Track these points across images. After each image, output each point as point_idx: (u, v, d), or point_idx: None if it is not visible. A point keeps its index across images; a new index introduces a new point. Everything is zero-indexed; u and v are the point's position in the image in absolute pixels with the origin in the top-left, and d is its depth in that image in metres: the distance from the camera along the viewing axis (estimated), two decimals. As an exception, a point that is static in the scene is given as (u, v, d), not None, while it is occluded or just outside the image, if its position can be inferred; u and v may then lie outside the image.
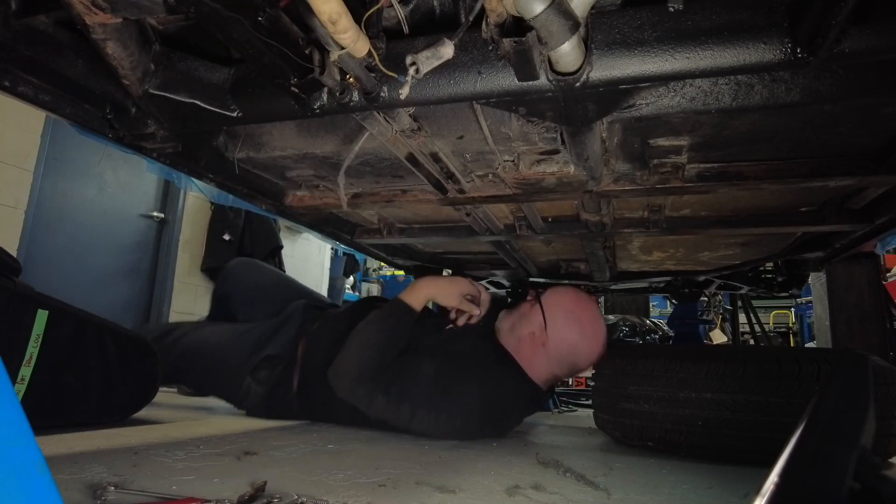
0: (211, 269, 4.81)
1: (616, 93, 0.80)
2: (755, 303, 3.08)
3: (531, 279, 2.49)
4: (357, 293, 7.76)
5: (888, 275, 4.30)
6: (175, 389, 2.17)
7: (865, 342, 1.88)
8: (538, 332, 1.57)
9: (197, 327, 2.02)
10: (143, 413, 1.53)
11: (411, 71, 0.70)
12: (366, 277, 8.50)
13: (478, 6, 0.68)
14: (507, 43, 0.66)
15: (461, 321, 1.70)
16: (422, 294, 1.64)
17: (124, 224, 4.28)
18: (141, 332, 1.85)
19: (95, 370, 1.37)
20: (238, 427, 1.51)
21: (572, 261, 2.29)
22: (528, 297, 1.69)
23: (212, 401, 2.17)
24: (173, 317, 4.51)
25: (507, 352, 1.60)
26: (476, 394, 1.45)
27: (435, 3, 0.80)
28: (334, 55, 0.69)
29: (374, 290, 8.28)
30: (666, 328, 3.81)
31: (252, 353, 1.75)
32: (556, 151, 1.12)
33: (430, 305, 1.79)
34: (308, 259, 6.40)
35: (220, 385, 1.82)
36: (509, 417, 1.60)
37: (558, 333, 1.56)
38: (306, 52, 0.73)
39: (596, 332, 1.60)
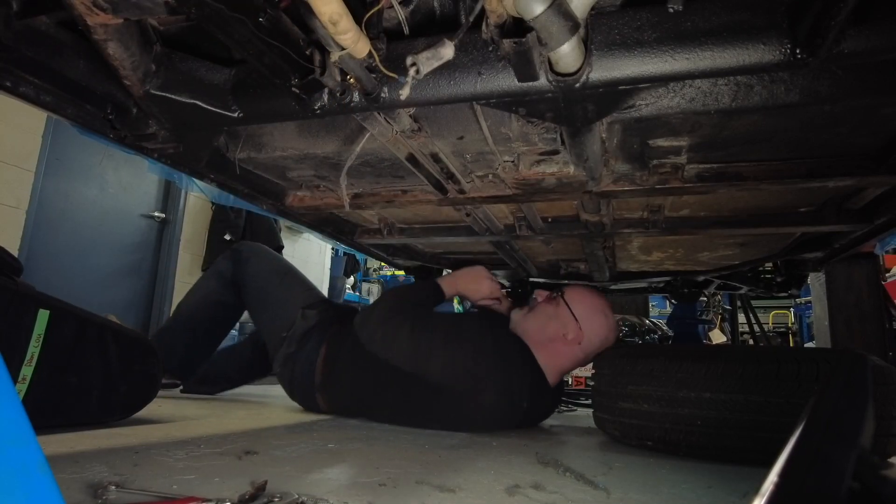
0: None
1: (616, 93, 0.80)
2: (754, 303, 3.08)
3: (531, 279, 2.50)
4: (357, 293, 7.77)
5: (887, 275, 4.30)
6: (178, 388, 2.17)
7: (864, 342, 1.88)
8: (573, 331, 1.66)
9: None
10: (143, 412, 1.53)
11: (412, 72, 0.70)
12: (366, 277, 8.50)
13: (478, 7, 0.68)
14: (507, 44, 0.66)
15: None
16: (454, 288, 1.84)
17: (125, 224, 4.29)
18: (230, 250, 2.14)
19: (96, 370, 1.37)
20: (239, 426, 1.51)
21: (572, 261, 2.29)
22: (545, 298, 1.78)
23: (212, 400, 2.17)
24: (174, 317, 4.51)
25: (522, 341, 1.71)
26: (489, 339, 1.62)
27: (435, 3, 0.80)
28: (335, 56, 0.69)
29: (375, 289, 8.28)
30: (665, 328, 3.82)
31: (312, 299, 1.98)
32: (556, 152, 1.12)
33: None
34: (309, 259, 6.40)
35: (275, 311, 1.98)
36: (515, 384, 1.63)
37: (594, 329, 1.68)
38: (307, 52, 0.73)
39: (613, 320, 1.76)
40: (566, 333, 1.65)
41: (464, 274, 1.87)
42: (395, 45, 0.79)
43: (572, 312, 1.67)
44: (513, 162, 1.19)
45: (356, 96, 0.82)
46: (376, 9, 0.70)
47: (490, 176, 1.28)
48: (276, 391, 2.47)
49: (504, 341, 1.66)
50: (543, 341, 1.67)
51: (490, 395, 1.57)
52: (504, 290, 2.01)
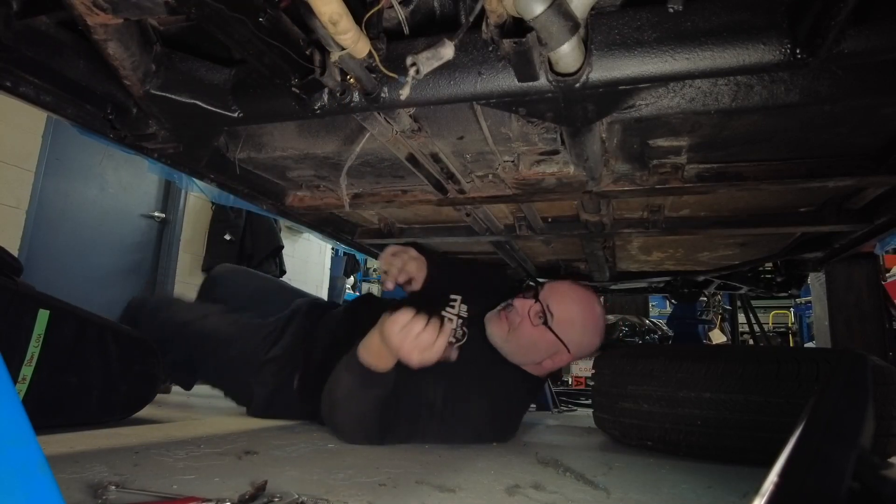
0: (212, 268, 4.81)
1: (616, 93, 0.80)
2: (754, 303, 3.09)
3: (529, 280, 2.50)
4: (357, 293, 7.78)
5: (887, 275, 4.30)
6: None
7: (864, 342, 1.89)
8: (562, 353, 1.53)
9: (201, 315, 1.89)
10: (143, 412, 1.53)
11: (412, 72, 0.70)
12: (366, 277, 8.52)
13: (478, 7, 0.68)
14: (507, 44, 0.66)
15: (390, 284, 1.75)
16: (390, 357, 1.25)
17: (125, 224, 4.29)
18: (131, 302, 1.92)
19: (96, 370, 1.37)
20: (239, 426, 1.51)
21: (572, 261, 2.29)
22: (526, 316, 1.52)
23: (212, 400, 2.18)
24: (174, 317, 4.51)
25: (512, 368, 1.57)
26: (485, 406, 1.45)
27: (435, 3, 0.80)
28: (335, 56, 0.69)
29: (375, 289, 8.30)
30: (665, 328, 3.82)
31: (258, 352, 1.75)
32: (556, 152, 1.12)
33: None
34: (308, 259, 6.40)
35: (225, 380, 1.83)
36: (518, 416, 1.63)
37: (584, 346, 1.56)
38: (307, 52, 0.73)
39: (602, 322, 1.61)
40: (555, 357, 1.54)
41: (382, 339, 1.21)
42: (395, 45, 0.78)
43: (560, 339, 1.49)
44: (513, 162, 1.19)
45: (356, 96, 0.82)
46: (376, 9, 0.70)
47: (490, 176, 1.28)
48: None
49: (496, 392, 1.49)
50: (533, 362, 1.55)
51: (502, 438, 1.55)
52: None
